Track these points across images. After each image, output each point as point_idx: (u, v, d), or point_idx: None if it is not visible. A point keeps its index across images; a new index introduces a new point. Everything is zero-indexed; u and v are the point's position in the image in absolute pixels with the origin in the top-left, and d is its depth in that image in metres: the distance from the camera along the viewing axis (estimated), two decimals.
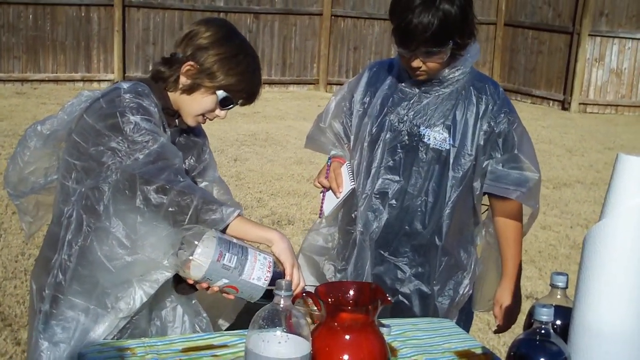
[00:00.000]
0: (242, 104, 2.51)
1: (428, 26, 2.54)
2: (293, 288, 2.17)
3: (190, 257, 2.11)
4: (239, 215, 2.19)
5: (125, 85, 2.34)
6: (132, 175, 2.15)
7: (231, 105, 2.46)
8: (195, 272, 2.13)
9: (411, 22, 2.55)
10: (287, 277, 2.19)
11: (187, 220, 2.13)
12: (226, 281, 2.15)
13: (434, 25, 2.54)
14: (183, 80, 2.39)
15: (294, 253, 2.24)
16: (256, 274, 2.16)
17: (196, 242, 2.11)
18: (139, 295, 2.25)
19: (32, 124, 2.46)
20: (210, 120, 2.49)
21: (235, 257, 2.14)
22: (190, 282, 2.20)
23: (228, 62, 2.38)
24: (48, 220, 2.62)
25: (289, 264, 2.21)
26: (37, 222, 2.60)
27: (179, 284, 2.34)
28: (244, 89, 2.43)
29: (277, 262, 2.21)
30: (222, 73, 2.37)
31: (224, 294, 2.21)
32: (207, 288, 2.19)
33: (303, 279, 2.25)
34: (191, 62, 2.37)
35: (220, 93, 2.40)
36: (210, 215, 2.14)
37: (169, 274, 2.23)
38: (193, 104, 2.42)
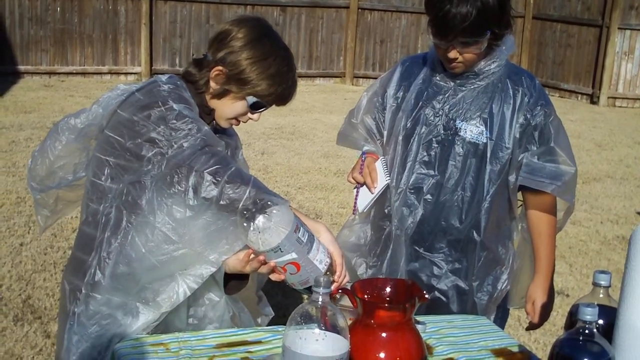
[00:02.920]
0: (277, 105, 2.47)
1: (467, 16, 2.52)
2: (342, 279, 2.19)
3: (270, 224, 2.05)
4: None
5: (163, 78, 2.32)
6: (180, 166, 2.10)
7: (263, 109, 2.43)
8: (271, 240, 2.07)
9: (449, 12, 2.53)
10: (338, 267, 2.19)
11: (238, 212, 2.08)
12: (295, 256, 2.09)
13: (473, 15, 2.52)
14: (213, 85, 2.36)
15: (339, 245, 2.23)
16: (320, 256, 2.14)
17: (275, 209, 2.06)
18: (182, 290, 2.20)
19: (65, 117, 2.41)
20: (244, 122, 2.46)
21: (307, 233, 2.11)
22: (243, 261, 2.16)
23: (258, 66, 2.33)
24: (64, 215, 2.60)
25: (338, 254, 2.20)
26: (54, 216, 2.56)
27: (227, 284, 2.31)
28: (273, 93, 2.39)
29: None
30: (252, 79, 2.34)
31: (275, 275, 2.17)
32: (261, 263, 2.15)
33: (348, 271, 2.24)
34: (220, 67, 2.34)
35: (250, 99, 2.37)
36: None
37: (214, 269, 2.18)
38: (224, 108, 2.39)
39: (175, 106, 2.19)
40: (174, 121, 2.16)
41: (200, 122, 2.20)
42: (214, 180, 2.07)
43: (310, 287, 2.10)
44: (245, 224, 2.08)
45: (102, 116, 2.31)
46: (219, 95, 2.37)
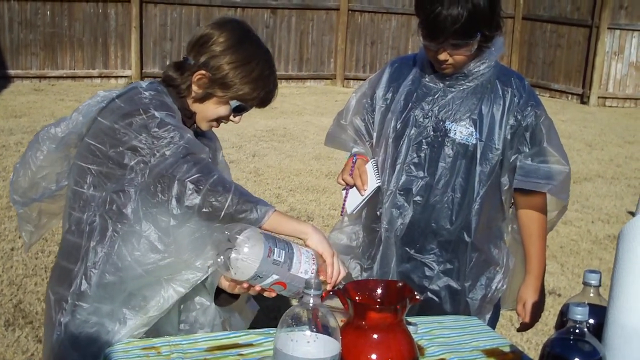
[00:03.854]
0: (258, 107, 2.48)
1: (457, 18, 2.52)
2: (335, 277, 2.17)
3: (240, 257, 2.05)
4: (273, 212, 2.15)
5: (143, 84, 2.31)
6: (162, 175, 2.10)
7: (244, 111, 2.44)
8: (246, 271, 2.07)
9: (440, 14, 2.53)
10: (329, 267, 2.18)
11: (221, 220, 2.09)
12: (276, 277, 2.09)
13: (464, 17, 2.52)
14: (195, 89, 2.35)
15: (330, 243, 2.22)
16: (303, 267, 2.13)
17: (243, 241, 2.06)
18: (169, 294, 2.20)
19: (45, 127, 2.39)
20: (225, 123, 2.47)
21: (283, 251, 2.10)
22: (232, 286, 2.17)
23: (241, 70, 2.33)
24: (49, 228, 2.56)
25: (329, 254, 2.19)
26: (39, 231, 2.53)
27: (218, 296, 2.31)
28: (257, 97, 2.39)
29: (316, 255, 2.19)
30: (235, 83, 2.34)
31: (266, 293, 2.17)
32: (248, 288, 2.16)
33: (344, 267, 2.23)
34: (203, 72, 2.33)
35: (233, 102, 2.37)
36: (246, 215, 2.10)
37: (200, 274, 2.19)
38: (207, 112, 2.39)
39: (157, 114, 2.18)
40: (156, 129, 2.15)
41: (182, 130, 2.20)
42: (196, 189, 2.07)
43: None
44: (218, 260, 2.09)
45: (83, 124, 2.29)
46: (202, 99, 2.37)
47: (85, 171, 2.24)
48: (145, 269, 2.14)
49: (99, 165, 2.21)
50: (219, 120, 2.42)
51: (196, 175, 2.09)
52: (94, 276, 2.19)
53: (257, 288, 2.14)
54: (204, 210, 2.07)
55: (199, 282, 2.22)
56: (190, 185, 2.07)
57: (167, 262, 2.14)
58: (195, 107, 2.38)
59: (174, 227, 2.11)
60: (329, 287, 2.18)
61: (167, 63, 11.78)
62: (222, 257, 2.08)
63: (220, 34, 2.35)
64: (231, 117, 2.43)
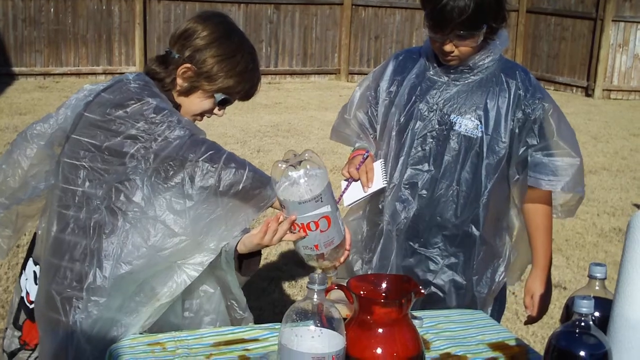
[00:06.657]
0: (241, 100, 2.49)
1: (464, 9, 2.53)
2: (348, 241, 2.19)
3: (314, 172, 2.01)
4: None
5: (130, 76, 2.30)
6: (173, 159, 2.11)
7: (229, 104, 2.45)
8: (317, 185, 2.01)
9: (447, 4, 2.54)
10: (347, 235, 2.19)
11: (237, 195, 2.10)
12: (329, 209, 2.05)
13: (470, 8, 2.54)
14: (180, 82, 2.36)
15: None
16: (340, 218, 2.12)
17: (313, 157, 2.03)
18: (182, 279, 2.20)
19: (31, 125, 2.35)
20: (208, 118, 2.47)
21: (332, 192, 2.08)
22: (261, 232, 2.15)
23: (226, 63, 2.35)
24: (23, 232, 2.51)
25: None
26: (15, 235, 2.47)
27: (241, 265, 2.28)
28: (242, 89, 2.41)
29: None
30: (221, 76, 2.35)
31: (292, 235, 2.12)
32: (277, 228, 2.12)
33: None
34: (188, 65, 2.33)
35: (218, 95, 2.38)
36: (261, 190, 2.12)
37: (213, 256, 2.20)
38: (191, 106, 2.40)
39: (151, 100, 2.19)
40: (153, 115, 2.15)
41: (178, 114, 2.22)
42: (210, 168, 2.09)
43: (323, 254, 2.09)
44: (286, 177, 2.03)
45: (71, 119, 2.28)
46: (187, 92, 2.37)
47: (77, 167, 2.22)
48: (163, 254, 2.14)
49: (92, 160, 2.20)
50: (203, 114, 2.43)
51: (208, 154, 2.10)
52: (108, 269, 2.17)
53: (293, 217, 2.07)
54: (220, 188, 2.09)
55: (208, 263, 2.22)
56: (204, 165, 2.09)
57: (184, 245, 2.15)
58: (180, 100, 2.39)
59: (190, 208, 2.12)
60: (343, 257, 2.19)
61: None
62: (294, 172, 2.01)
63: (203, 28, 2.36)
64: (215, 111, 2.44)
